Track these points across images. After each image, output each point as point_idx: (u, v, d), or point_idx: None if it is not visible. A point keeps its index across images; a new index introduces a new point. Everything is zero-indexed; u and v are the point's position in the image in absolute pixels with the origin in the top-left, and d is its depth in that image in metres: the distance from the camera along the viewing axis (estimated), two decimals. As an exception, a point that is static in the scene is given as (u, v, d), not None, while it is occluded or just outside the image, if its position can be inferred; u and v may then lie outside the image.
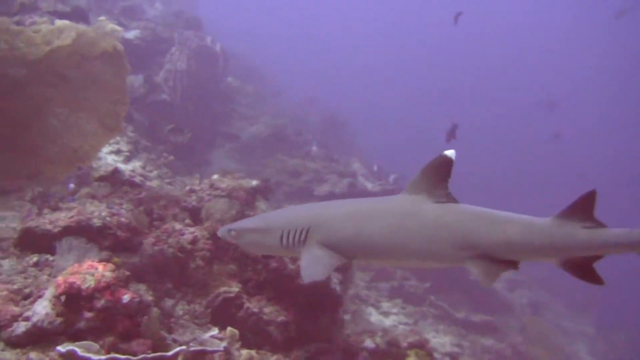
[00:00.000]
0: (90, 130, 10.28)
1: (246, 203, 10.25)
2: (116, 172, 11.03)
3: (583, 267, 4.29)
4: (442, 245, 4.24)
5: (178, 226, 8.96)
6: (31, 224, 8.51)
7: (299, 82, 41.85)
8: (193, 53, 19.65)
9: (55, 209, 9.30)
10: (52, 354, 6.11)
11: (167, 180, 14.45)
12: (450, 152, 4.29)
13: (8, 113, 10.76)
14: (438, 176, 4.32)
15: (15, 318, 6.57)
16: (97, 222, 8.24)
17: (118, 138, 14.30)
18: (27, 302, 6.95)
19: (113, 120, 10.50)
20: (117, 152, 14.31)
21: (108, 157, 13.84)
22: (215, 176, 11.64)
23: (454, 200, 4.41)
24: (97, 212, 8.74)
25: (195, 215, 9.97)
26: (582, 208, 4.20)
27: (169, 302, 8.51)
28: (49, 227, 8.05)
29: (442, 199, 4.37)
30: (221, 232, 5.06)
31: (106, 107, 10.55)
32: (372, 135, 46.65)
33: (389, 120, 64.90)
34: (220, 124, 22.96)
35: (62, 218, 8.46)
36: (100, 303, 6.16)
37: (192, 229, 8.94)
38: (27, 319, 6.49)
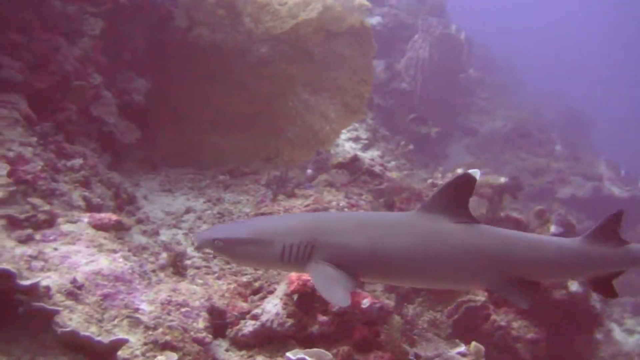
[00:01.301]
0: (332, 111, 9.41)
1: (492, 201, 9.40)
2: (355, 159, 10.09)
3: (605, 282, 4.58)
4: (470, 268, 4.11)
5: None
6: (265, 210, 7.81)
7: (533, 76, 38.39)
8: (436, 41, 18.51)
9: (291, 195, 8.57)
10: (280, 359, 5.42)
11: (405, 172, 13.31)
12: (474, 171, 4.06)
13: (250, 91, 10.33)
14: (459, 195, 4.12)
15: (243, 315, 5.81)
16: (334, 213, 7.17)
17: (357, 124, 13.47)
18: (256, 297, 6.17)
19: (357, 101, 9.54)
20: (356, 139, 13.53)
21: (346, 144, 13.08)
22: (459, 170, 10.28)
23: (476, 221, 4.17)
24: (335, 201, 7.84)
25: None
26: (609, 228, 4.45)
27: (409, 309, 7.38)
28: (283, 215, 7.14)
29: (462, 219, 4.13)
30: (201, 240, 4.20)
31: (351, 87, 9.63)
32: (619, 135, 41.49)
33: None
34: (459, 117, 21.43)
35: (298, 206, 7.66)
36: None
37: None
38: (255, 317, 5.67)
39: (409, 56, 19.18)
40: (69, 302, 4.82)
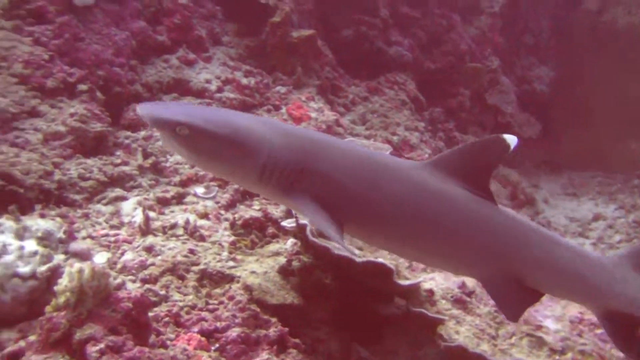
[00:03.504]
0: None
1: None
2: None
3: (629, 330, 3.65)
4: (470, 250, 3.47)
5: None
6: None
7: None
8: None
9: None
10: None
11: None
12: (510, 137, 3.30)
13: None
14: (484, 162, 3.45)
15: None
16: None
17: None
18: None
19: None
20: None
21: None
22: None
23: (491, 197, 3.43)
24: None
25: None
26: None
27: None
28: None
29: (477, 191, 3.42)
30: (156, 118, 3.07)
31: None
32: None
33: None
34: None
35: None
36: None
37: None
38: None
39: None
40: (455, 311, 4.44)
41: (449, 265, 3.72)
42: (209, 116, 3.27)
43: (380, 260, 3.86)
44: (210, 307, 3.50)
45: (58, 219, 3.87)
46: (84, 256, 3.60)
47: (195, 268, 3.78)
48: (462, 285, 4.55)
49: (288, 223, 4.09)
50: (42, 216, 3.87)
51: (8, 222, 3.44)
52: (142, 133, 4.90)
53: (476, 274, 3.63)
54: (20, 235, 3.40)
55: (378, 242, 3.67)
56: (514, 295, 3.57)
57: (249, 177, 3.24)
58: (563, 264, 3.57)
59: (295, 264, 3.82)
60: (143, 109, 3.11)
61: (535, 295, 3.59)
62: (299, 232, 3.84)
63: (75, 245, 3.64)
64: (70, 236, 3.66)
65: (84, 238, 3.93)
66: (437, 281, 4.56)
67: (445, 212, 3.44)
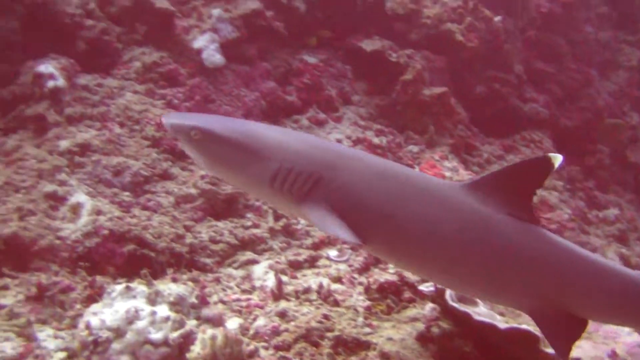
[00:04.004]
0: None
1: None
2: None
3: None
4: (512, 279, 3.24)
5: None
6: None
7: None
8: None
9: None
10: None
11: None
12: (555, 156, 3.12)
13: None
14: (526, 182, 3.25)
15: None
16: None
17: None
18: None
19: None
20: None
21: None
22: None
23: (536, 221, 3.27)
24: None
25: None
26: None
27: None
28: None
29: (520, 214, 3.21)
30: (173, 123, 3.16)
31: None
32: None
33: None
34: None
35: None
36: None
37: None
38: None
39: None
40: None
41: (487, 295, 3.53)
42: (225, 123, 3.32)
43: (524, 326, 3.72)
44: (346, 375, 3.29)
45: (190, 283, 3.76)
46: (216, 322, 3.46)
47: (329, 334, 3.64)
48: (613, 354, 4.28)
49: (426, 287, 4.00)
50: (174, 280, 3.76)
51: (140, 287, 3.34)
52: (274, 195, 4.80)
53: (519, 304, 3.46)
54: (152, 300, 3.27)
55: (404, 264, 3.51)
56: (563, 327, 3.38)
57: (260, 184, 3.13)
58: (612, 290, 3.40)
59: (434, 330, 3.73)
60: (166, 118, 3.22)
61: (582, 324, 3.41)
62: (437, 296, 3.75)
63: (207, 311, 3.51)
64: (203, 301, 3.52)
65: (215, 303, 3.80)
66: (585, 349, 4.28)
67: (483, 236, 3.27)
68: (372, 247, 3.27)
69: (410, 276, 4.26)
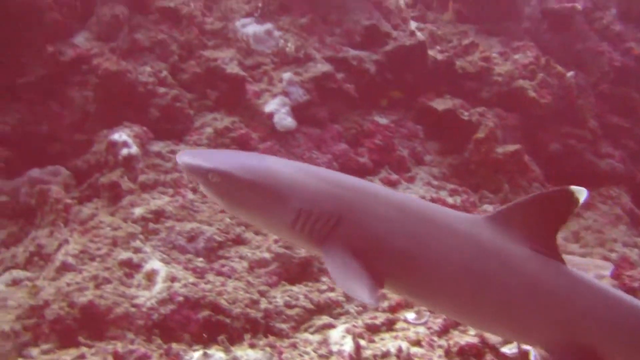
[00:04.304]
0: None
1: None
2: None
3: None
4: (534, 316, 3.13)
5: None
6: None
7: None
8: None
9: None
10: None
11: None
12: (579, 189, 3.00)
13: None
14: (549, 217, 3.17)
15: None
16: None
17: None
18: None
19: None
20: None
21: None
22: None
23: (560, 259, 3.15)
24: None
25: None
26: None
27: None
28: None
29: (544, 250, 3.14)
30: (189, 164, 3.00)
31: None
32: None
33: None
34: None
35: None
36: None
37: None
38: None
39: None
40: None
41: (507, 332, 3.45)
42: (243, 163, 3.18)
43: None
44: None
45: (267, 349, 3.60)
46: (295, 387, 3.31)
47: (412, 399, 3.41)
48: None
49: (509, 349, 3.86)
50: (252, 346, 3.60)
51: (218, 354, 3.27)
52: (347, 257, 4.64)
53: (541, 343, 3.33)
54: (230, 366, 3.13)
55: (426, 304, 3.49)
56: None
57: (281, 226, 3.06)
58: (631, 326, 3.25)
59: (518, 393, 3.53)
60: (180, 156, 3.07)
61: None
62: (521, 358, 3.64)
63: (286, 377, 3.36)
64: (281, 367, 3.36)
65: (293, 368, 3.63)
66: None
67: (504, 271, 3.17)
68: (393, 286, 3.16)
69: (492, 338, 4.07)
